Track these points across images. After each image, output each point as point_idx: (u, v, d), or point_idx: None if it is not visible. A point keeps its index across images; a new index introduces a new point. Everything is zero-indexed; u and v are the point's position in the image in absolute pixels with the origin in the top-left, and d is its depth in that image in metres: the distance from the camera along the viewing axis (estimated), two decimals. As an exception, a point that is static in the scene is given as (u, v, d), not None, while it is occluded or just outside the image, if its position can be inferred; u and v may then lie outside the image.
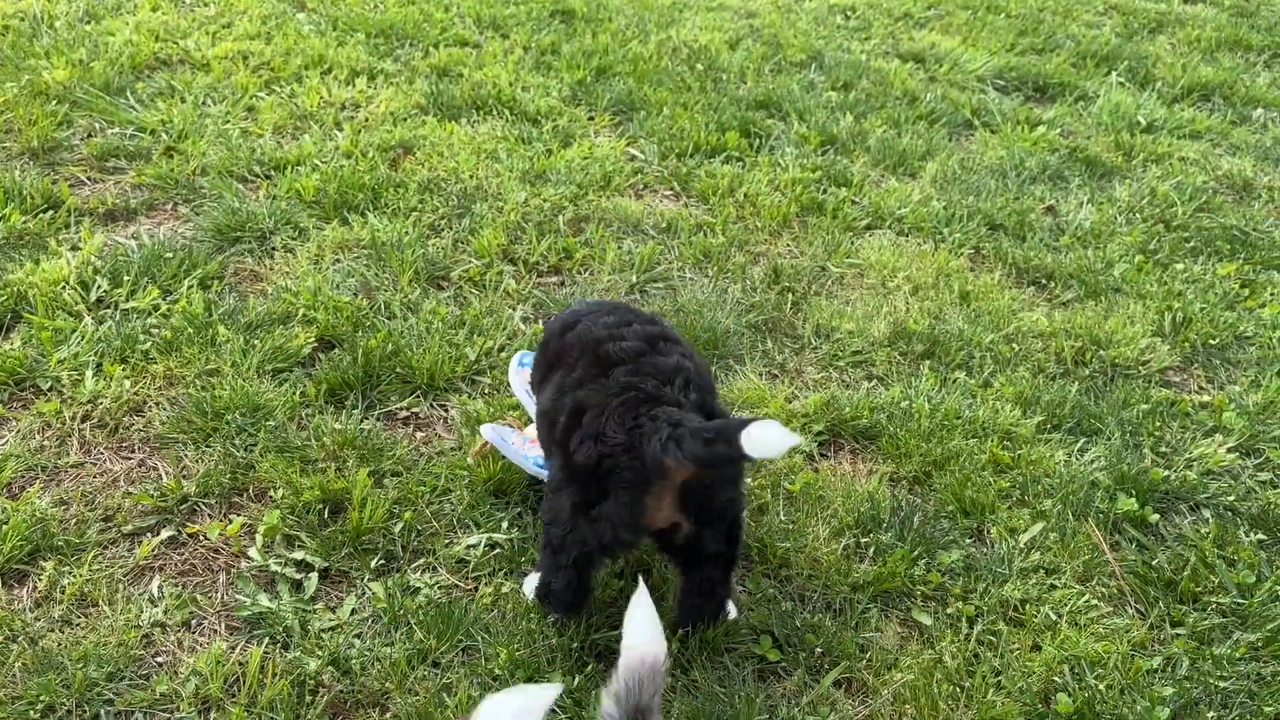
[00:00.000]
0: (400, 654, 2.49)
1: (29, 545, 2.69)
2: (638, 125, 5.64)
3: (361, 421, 3.21)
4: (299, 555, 2.75)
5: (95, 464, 3.05)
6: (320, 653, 2.47)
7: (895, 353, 3.81)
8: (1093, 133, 6.07)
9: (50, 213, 4.19)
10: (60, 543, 2.73)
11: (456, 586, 2.73)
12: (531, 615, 2.60)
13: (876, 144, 5.70)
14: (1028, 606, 2.76)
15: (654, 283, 4.26)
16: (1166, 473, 3.24)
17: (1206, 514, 3.21)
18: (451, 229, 4.43)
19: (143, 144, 4.84)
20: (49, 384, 3.29)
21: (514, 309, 3.95)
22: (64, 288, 3.69)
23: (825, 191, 5.05)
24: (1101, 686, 2.56)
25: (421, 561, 2.78)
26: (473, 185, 4.77)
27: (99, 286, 3.71)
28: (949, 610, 2.75)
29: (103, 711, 2.35)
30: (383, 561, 2.78)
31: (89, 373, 3.32)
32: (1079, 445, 3.39)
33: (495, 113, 5.56)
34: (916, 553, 2.87)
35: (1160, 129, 6.37)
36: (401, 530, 2.83)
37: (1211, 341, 4.05)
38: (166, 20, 6.23)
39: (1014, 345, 3.90)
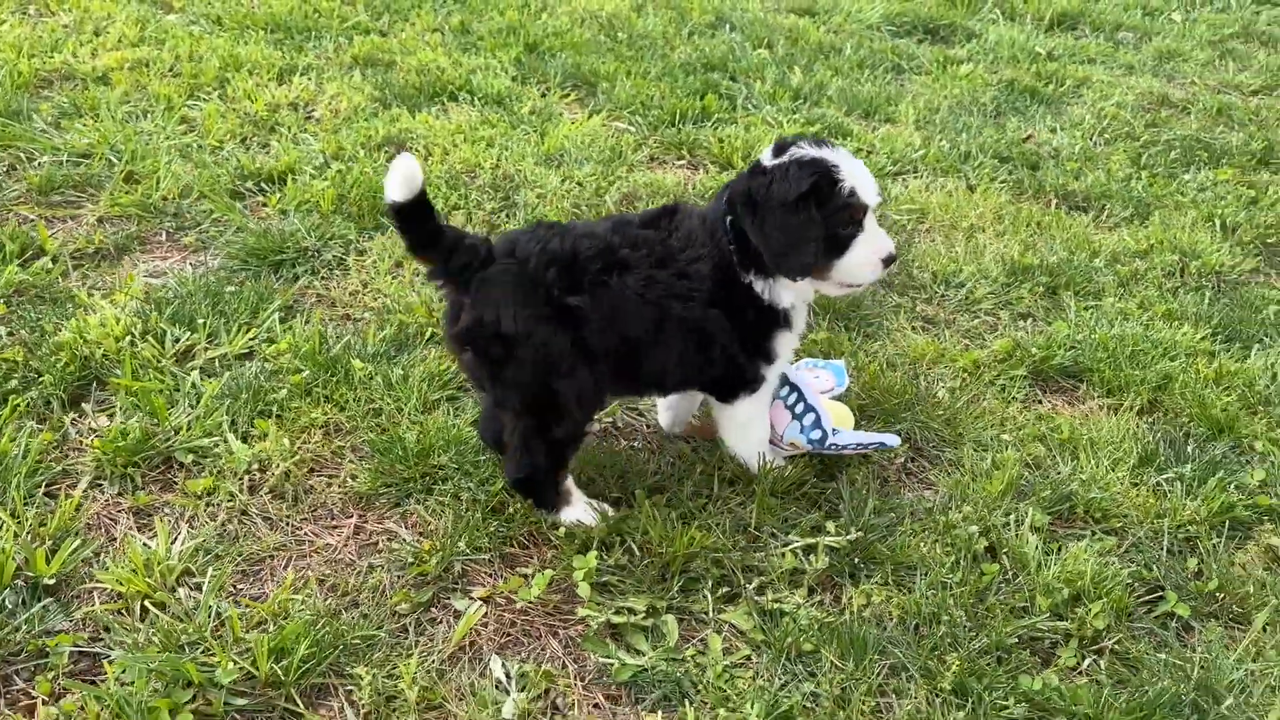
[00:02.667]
0: (832, 689, 2.16)
1: (323, 652, 2.13)
2: (605, 98, 5.31)
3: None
4: (634, 602, 2.34)
5: (303, 541, 2.49)
6: (745, 704, 2.10)
7: (1029, 289, 3.75)
8: (1009, 66, 6.28)
9: (41, 260, 3.41)
10: (354, 641, 2.18)
11: (819, 603, 2.41)
12: (938, 619, 2.33)
13: (838, 94, 5.66)
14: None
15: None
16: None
17: None
18: (511, 220, 3.99)
19: (89, 170, 4.05)
20: (188, 457, 2.65)
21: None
22: (132, 342, 2.99)
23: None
24: None
25: (757, 581, 2.44)
26: (500, 174, 4.32)
27: (172, 336, 3.04)
28: (1291, 530, 2.72)
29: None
30: (724, 588, 2.41)
31: (230, 436, 2.70)
32: (1254, 353, 3.46)
33: (456, 99, 5.08)
34: (1223, 479, 2.82)
35: (1060, 57, 6.70)
36: (719, 551, 2.47)
37: (1269, 240, 4.27)
38: (20, 33, 5.27)
39: (1124, 266, 3.94)
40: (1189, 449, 2.95)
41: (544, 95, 5.27)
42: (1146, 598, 2.49)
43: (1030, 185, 4.69)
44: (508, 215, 4.02)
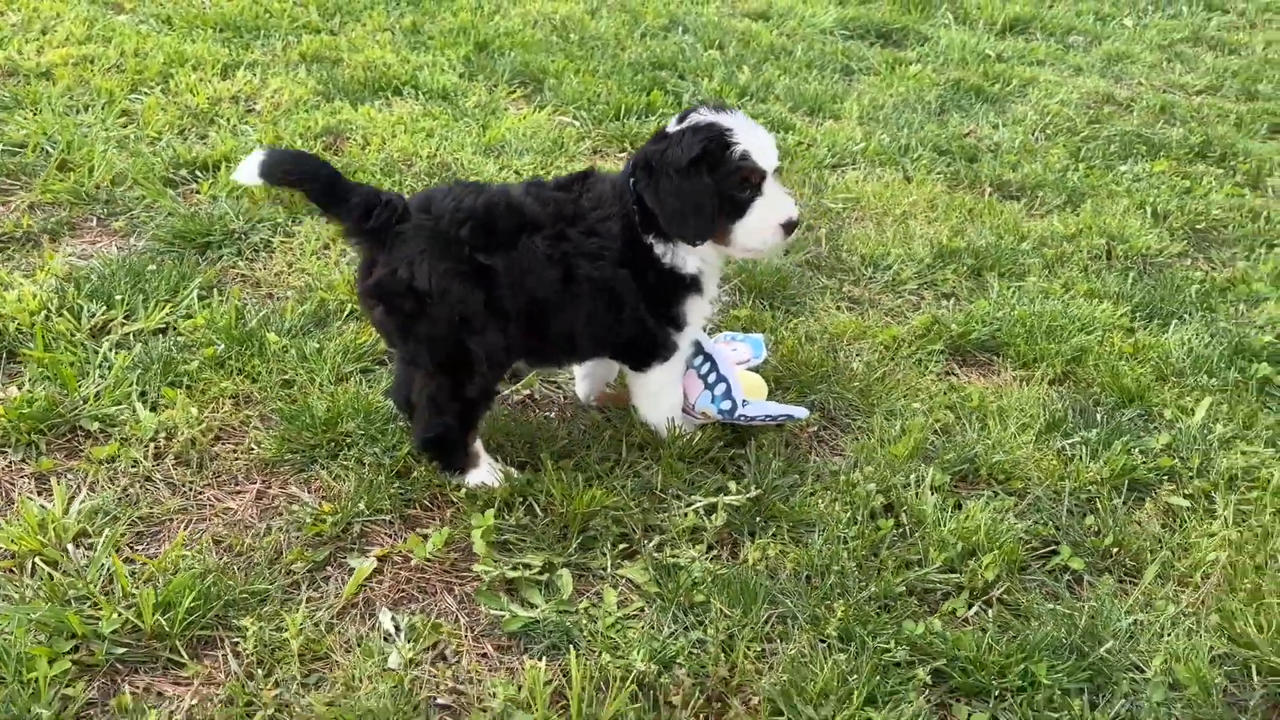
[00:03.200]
0: (719, 636, 2.17)
1: (208, 605, 2.13)
2: (551, 94, 5.36)
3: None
4: (530, 558, 2.35)
5: (204, 505, 2.48)
6: (631, 651, 2.11)
7: (953, 270, 3.79)
8: (958, 68, 6.36)
9: (-37, 241, 3.41)
10: (243, 596, 2.18)
11: (716, 557, 2.42)
12: (829, 570, 2.35)
13: (785, 92, 5.72)
14: (1260, 472, 2.80)
15: (675, 238, 4.03)
16: (1267, 338, 3.40)
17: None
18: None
19: (24, 160, 4.05)
20: (94, 424, 2.65)
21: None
22: (47, 317, 2.99)
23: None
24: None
25: (657, 539, 2.45)
26: (436, 162, 4.34)
27: (89, 311, 3.04)
28: (1187, 490, 2.75)
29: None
30: (621, 545, 2.42)
31: (138, 405, 2.70)
32: (1171, 329, 3.50)
33: (400, 93, 5.11)
34: (1127, 442, 2.85)
35: (1009, 59, 6.79)
36: (619, 510, 2.48)
37: (1198, 226, 4.33)
38: (-35, 31, 5.27)
39: (1050, 249, 3.99)
40: (1098, 416, 2.99)
41: (491, 90, 5.31)
42: (1042, 552, 2.51)
43: (966, 176, 4.74)
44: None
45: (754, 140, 2.48)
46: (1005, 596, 2.33)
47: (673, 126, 2.53)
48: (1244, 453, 2.82)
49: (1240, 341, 3.35)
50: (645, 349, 2.64)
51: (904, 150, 5.01)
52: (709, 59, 6.24)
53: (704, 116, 2.48)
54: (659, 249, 2.51)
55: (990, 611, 2.31)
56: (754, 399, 2.85)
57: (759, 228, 2.52)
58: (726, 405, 2.72)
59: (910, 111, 5.61)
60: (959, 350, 3.34)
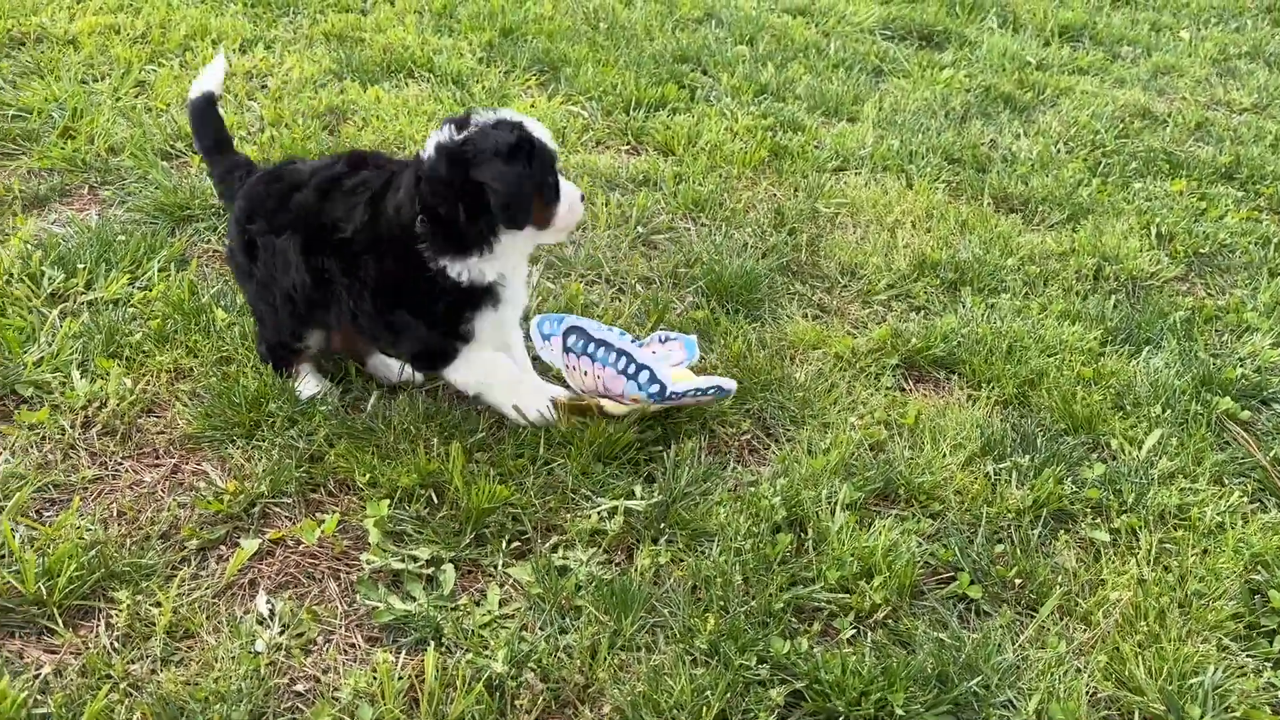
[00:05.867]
0: (584, 641, 2.15)
1: (89, 575, 2.18)
2: (566, 83, 5.34)
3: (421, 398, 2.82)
4: (419, 551, 2.35)
5: (118, 476, 2.54)
6: (494, 652, 2.10)
7: (928, 283, 3.70)
8: (993, 74, 6.20)
9: (-49, 203, 3.52)
10: (124, 568, 2.22)
11: (608, 561, 2.40)
12: (713, 582, 2.31)
13: (805, 91, 5.63)
14: (1192, 511, 2.69)
15: (657, 234, 4.01)
16: (1240, 371, 3.26)
17: (1282, 407, 3.26)
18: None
19: (30, 125, 4.16)
20: (29, 390, 2.72)
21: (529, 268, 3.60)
22: (9, 282, 3.07)
23: (782, 136, 4.93)
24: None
25: (555, 540, 2.44)
26: (428, 148, 4.35)
27: (49, 278, 3.12)
28: (1113, 525, 2.65)
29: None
30: (515, 544, 2.42)
31: (75, 373, 2.76)
32: (1144, 355, 3.38)
33: (415, 76, 5.14)
34: (1059, 471, 2.76)
35: (1050, 67, 6.59)
36: (518, 508, 2.47)
37: (1201, 250, 4.16)
38: (6, -4, 5.43)
39: (1036, 266, 3.87)
40: (1038, 442, 2.89)
41: (506, 76, 5.31)
42: (943, 577, 2.44)
43: (971, 186, 4.63)
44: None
45: (543, 131, 2.58)
46: (890, 621, 2.27)
47: (454, 134, 2.49)
48: (1181, 489, 2.71)
49: (1209, 374, 3.21)
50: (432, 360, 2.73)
51: (912, 156, 4.89)
52: (736, 54, 6.17)
53: (491, 115, 2.51)
54: (453, 268, 2.50)
55: (872, 636, 2.25)
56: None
57: (574, 206, 2.64)
58: (655, 389, 2.70)
59: (931, 117, 5.49)
60: (914, 366, 3.26)
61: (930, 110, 5.60)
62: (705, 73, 5.84)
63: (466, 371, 2.67)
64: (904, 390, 3.15)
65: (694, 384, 2.73)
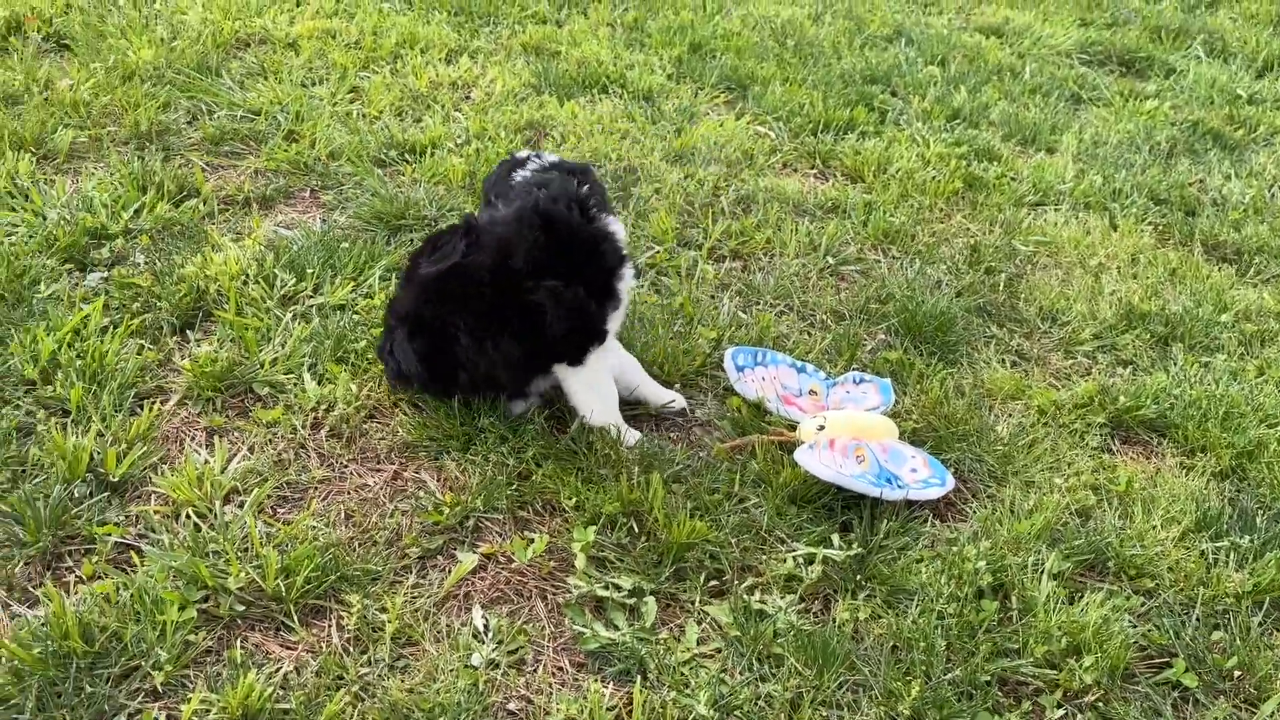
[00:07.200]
0: (785, 693, 2.17)
1: (325, 576, 2.32)
2: (754, 102, 5.35)
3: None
4: (622, 580, 2.42)
5: (344, 478, 2.69)
6: (696, 692, 2.15)
7: (1137, 337, 3.56)
8: (1200, 107, 5.90)
9: (193, 201, 3.78)
10: (355, 572, 2.37)
11: (804, 610, 2.42)
12: (915, 644, 2.30)
13: (1000, 117, 5.49)
14: None
15: (846, 265, 3.98)
16: None
17: None
18: (620, 212, 4.11)
19: (257, 126, 4.43)
20: (265, 389, 2.91)
21: (713, 296, 3.65)
22: (245, 282, 3.29)
23: (977, 166, 4.82)
24: None
25: (751, 581, 2.47)
26: (622, 166, 4.45)
27: (281, 281, 3.33)
28: (1347, 616, 2.52)
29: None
30: (712, 582, 2.46)
31: (306, 375, 2.94)
32: (1376, 428, 3.18)
33: (608, 91, 5.23)
34: (1281, 553, 2.64)
35: (1263, 101, 6.23)
36: (715, 546, 2.51)
37: None
38: (233, -3, 5.78)
39: (1253, 324, 3.68)
40: (1259, 521, 2.76)
41: (695, 95, 5.38)
42: (1155, 661, 2.37)
43: (1180, 230, 4.44)
44: (621, 204, 4.15)
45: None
46: (1100, 704, 2.22)
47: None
48: None
49: None
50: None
51: (1116, 194, 4.73)
52: (926, 75, 6.07)
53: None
54: None
55: (1081, 718, 2.20)
56: (887, 439, 2.82)
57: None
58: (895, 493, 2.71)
59: (1134, 151, 5.28)
60: (1122, 425, 3.16)
61: (1133, 144, 5.38)
62: (895, 94, 5.76)
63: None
64: (1111, 452, 3.05)
65: (921, 490, 2.70)
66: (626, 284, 2.77)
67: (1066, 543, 2.62)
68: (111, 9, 5.41)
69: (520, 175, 2.87)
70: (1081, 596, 2.49)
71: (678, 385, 3.15)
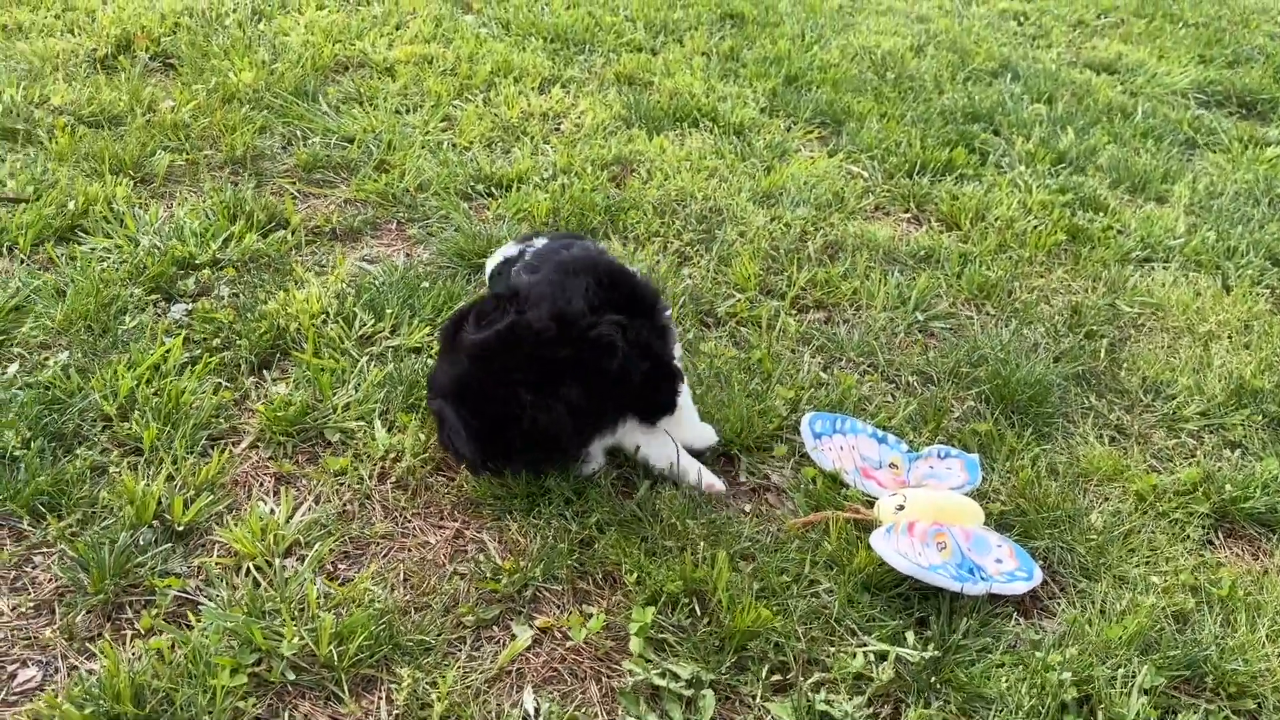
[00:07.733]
0: (847, 802, 2.05)
1: (378, 646, 2.28)
2: (848, 139, 5.21)
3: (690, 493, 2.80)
4: (680, 668, 2.32)
5: (406, 534, 2.65)
6: (752, 797, 2.04)
7: (1248, 416, 3.34)
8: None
9: (281, 232, 3.81)
10: (409, 642, 2.32)
11: (873, 715, 2.29)
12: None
13: (1109, 162, 5.25)
14: None
15: (935, 320, 3.82)
16: None
17: None
18: (702, 257, 4.01)
19: (349, 154, 4.46)
20: (336, 435, 2.89)
21: (793, 351, 3.53)
22: (325, 321, 3.29)
23: (1081, 216, 4.61)
24: None
25: (817, 676, 2.35)
26: (708, 206, 4.35)
27: (360, 321, 3.31)
28: None
29: None
30: (775, 675, 2.34)
31: (378, 423, 2.92)
32: None
33: (699, 125, 5.15)
34: None
35: (1401, 152, 5.84)
36: (781, 635, 2.40)
37: None
38: (335, 20, 5.86)
39: (1379, 407, 3.42)
40: (1378, 639, 2.54)
41: (788, 129, 5.27)
42: (1253, 799, 2.18)
43: (1297, 295, 4.17)
44: (704, 248, 4.06)
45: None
46: (1190, 844, 2.05)
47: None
48: None
49: None
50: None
51: (1230, 253, 4.47)
52: (1032, 114, 5.86)
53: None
54: None
55: None
56: (971, 525, 2.68)
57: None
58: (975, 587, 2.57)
59: (1252, 204, 5.00)
60: (1226, 517, 2.95)
61: (1252, 196, 5.10)
62: (997, 133, 5.57)
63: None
64: (1213, 546, 2.85)
65: (1005, 584, 2.56)
66: (670, 317, 2.82)
67: (1161, 652, 2.44)
68: (218, 29, 5.52)
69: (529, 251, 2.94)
70: (1175, 715, 2.31)
71: (751, 447, 3.04)
